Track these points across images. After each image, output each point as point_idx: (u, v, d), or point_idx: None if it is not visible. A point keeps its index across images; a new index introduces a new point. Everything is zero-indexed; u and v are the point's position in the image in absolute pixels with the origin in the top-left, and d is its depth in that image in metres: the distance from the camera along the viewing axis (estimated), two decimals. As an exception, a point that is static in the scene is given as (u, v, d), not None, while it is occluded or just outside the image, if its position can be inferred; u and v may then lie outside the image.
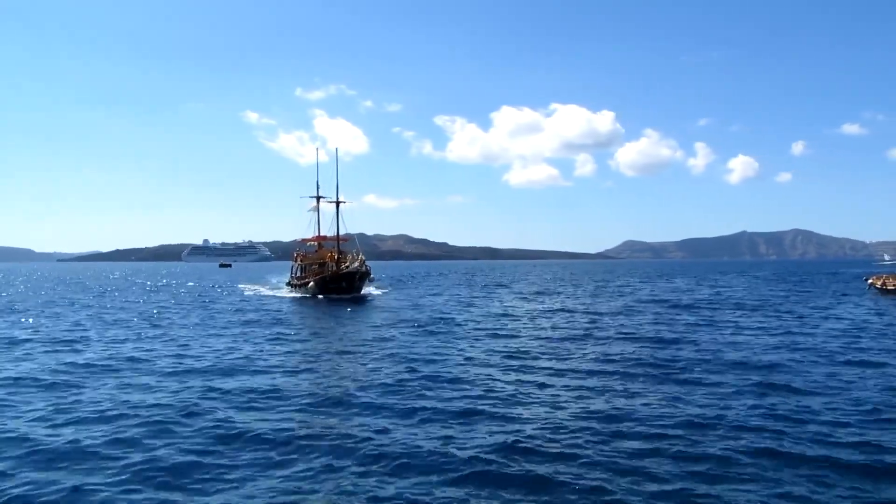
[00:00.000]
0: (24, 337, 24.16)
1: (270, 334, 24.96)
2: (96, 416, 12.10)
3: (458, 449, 9.97)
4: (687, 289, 58.80)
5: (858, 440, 10.28)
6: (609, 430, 11.03)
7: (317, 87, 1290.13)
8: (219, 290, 60.36)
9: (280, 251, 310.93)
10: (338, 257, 50.00)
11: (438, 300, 45.37)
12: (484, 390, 14.24)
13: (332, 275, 47.40)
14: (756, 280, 78.70)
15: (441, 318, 30.92)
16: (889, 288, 45.38)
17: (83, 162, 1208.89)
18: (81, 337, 24.22)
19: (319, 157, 68.12)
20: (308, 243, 55.69)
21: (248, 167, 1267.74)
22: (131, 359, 18.76)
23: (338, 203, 52.93)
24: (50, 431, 11.08)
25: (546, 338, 23.48)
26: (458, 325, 28.07)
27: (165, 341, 22.92)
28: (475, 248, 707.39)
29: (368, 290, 52.03)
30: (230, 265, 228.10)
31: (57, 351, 20.55)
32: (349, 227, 53.85)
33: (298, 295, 50.47)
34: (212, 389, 14.42)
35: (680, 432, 10.79)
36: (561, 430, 11.00)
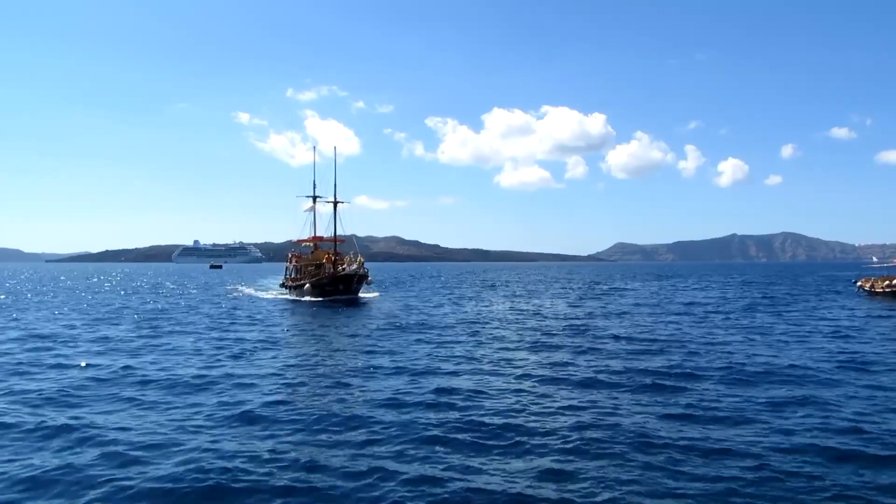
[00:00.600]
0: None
1: (260, 341, 23.83)
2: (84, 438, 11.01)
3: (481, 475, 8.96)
4: (683, 288, 58.11)
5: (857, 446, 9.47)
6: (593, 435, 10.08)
7: (308, 88, 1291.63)
8: (210, 292, 59.01)
9: (271, 252, 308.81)
10: (335, 259, 48.84)
11: (432, 302, 44.34)
12: (502, 406, 13.25)
13: (330, 276, 46.27)
14: (751, 284, 78.24)
15: (441, 324, 29.89)
16: (877, 291, 45.55)
17: (72, 162, 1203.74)
18: (60, 342, 23.04)
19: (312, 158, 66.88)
20: (303, 244, 54.01)
21: (239, 168, 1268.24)
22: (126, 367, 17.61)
23: (335, 203, 51.16)
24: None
25: (546, 341, 22.57)
26: (471, 334, 26.77)
27: (154, 346, 21.77)
28: (466, 249, 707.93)
29: (366, 292, 50.83)
30: (221, 266, 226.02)
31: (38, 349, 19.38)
32: (346, 228, 52.39)
33: (293, 297, 49.20)
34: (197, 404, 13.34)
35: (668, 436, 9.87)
36: (593, 442, 10.04)
